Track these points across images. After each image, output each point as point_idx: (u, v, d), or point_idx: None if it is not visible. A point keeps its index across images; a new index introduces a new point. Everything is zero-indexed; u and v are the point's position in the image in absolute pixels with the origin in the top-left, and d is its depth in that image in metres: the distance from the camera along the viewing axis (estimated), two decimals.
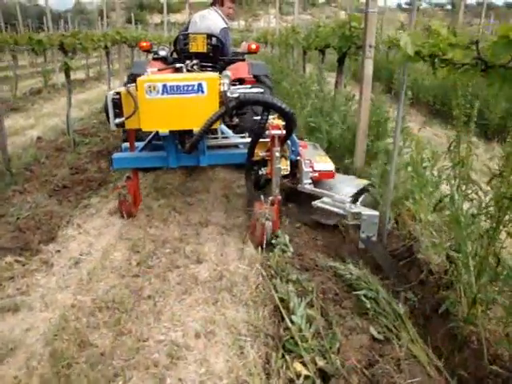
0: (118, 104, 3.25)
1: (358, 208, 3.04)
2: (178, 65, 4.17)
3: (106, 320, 2.53)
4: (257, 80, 4.70)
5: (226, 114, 3.14)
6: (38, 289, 2.85)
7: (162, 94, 3.04)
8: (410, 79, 10.63)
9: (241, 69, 4.77)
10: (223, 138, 4.04)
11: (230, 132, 4.10)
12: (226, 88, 3.11)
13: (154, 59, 5.08)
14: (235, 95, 3.13)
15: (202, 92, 3.05)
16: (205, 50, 4.74)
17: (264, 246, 3.21)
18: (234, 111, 3.23)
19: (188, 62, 4.30)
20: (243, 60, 5.15)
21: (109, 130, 7.40)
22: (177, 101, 3.06)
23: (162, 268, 3.12)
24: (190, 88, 3.04)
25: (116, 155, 3.77)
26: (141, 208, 4.08)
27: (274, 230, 3.26)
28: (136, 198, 3.96)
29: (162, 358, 2.26)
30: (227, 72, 3.39)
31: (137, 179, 4.01)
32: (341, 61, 4.45)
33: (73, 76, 15.22)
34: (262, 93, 3.50)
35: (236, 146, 3.91)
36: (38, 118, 8.80)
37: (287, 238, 3.23)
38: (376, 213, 2.96)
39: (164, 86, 3.03)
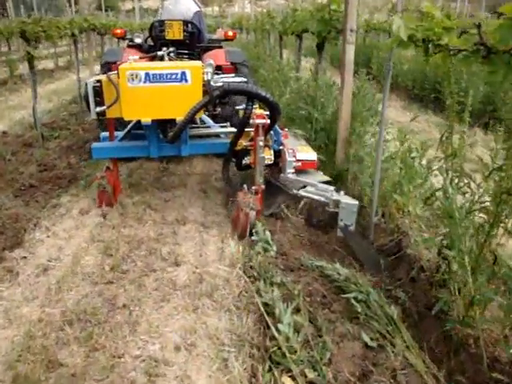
0: (98, 92, 3.16)
1: (337, 196, 3.03)
2: (159, 52, 4.15)
3: (77, 335, 2.32)
4: (234, 67, 4.62)
5: (209, 103, 3.11)
6: (0, 302, 2.62)
7: (145, 82, 2.99)
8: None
9: (218, 56, 4.65)
10: (205, 127, 3.99)
11: (211, 121, 4.05)
12: (209, 77, 3.07)
13: (129, 46, 4.98)
14: (219, 84, 3.09)
15: (186, 81, 3.01)
16: (181, 37, 4.65)
17: (247, 235, 3.15)
18: (217, 100, 3.20)
19: (164, 49, 4.21)
20: (220, 47, 5.05)
21: (79, 122, 7.11)
22: (160, 89, 3.01)
23: (137, 273, 2.91)
24: (174, 76, 2.99)
25: (95, 145, 3.68)
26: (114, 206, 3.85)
27: (258, 219, 3.21)
28: (116, 188, 3.88)
29: (140, 377, 2.07)
30: (210, 61, 3.32)
31: (116, 169, 3.94)
32: (320, 46, 4.26)
33: (41, 65, 14.82)
34: (245, 82, 3.46)
35: (217, 135, 3.87)
36: (2, 111, 8.37)
37: (268, 234, 3.06)
38: (355, 202, 2.96)
39: (147, 74, 2.98)
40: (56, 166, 4.83)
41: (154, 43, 4.89)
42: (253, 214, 3.13)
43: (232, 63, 4.63)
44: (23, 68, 12.53)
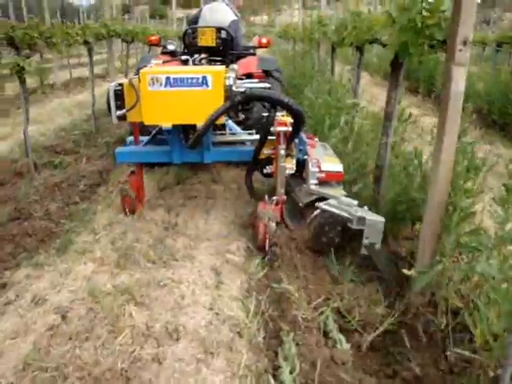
0: (119, 96, 3.15)
1: (362, 212, 2.84)
2: (183, 57, 4.17)
3: None
4: (266, 75, 4.53)
5: (230, 108, 3.05)
6: None
7: (165, 86, 2.95)
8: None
9: (250, 63, 4.62)
10: (230, 134, 3.90)
11: (237, 128, 3.98)
12: (231, 82, 2.97)
13: (163, 53, 5.01)
14: (241, 90, 2.99)
15: (207, 85, 2.95)
16: (214, 44, 4.65)
17: (267, 248, 3.00)
18: (239, 106, 3.19)
19: (196, 56, 4.21)
20: (253, 54, 5.03)
21: (90, 144, 6.04)
22: (180, 94, 2.96)
23: None
24: (194, 81, 2.94)
25: (119, 149, 3.65)
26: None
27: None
28: (140, 193, 3.82)
29: None
30: (234, 65, 3.26)
31: (141, 174, 3.85)
32: (396, 65, 2.90)
33: (76, 73, 14.17)
34: (269, 88, 3.37)
35: (243, 142, 3.77)
36: (16, 126, 7.44)
37: None
38: (381, 219, 2.78)
39: (167, 78, 2.93)
40: (32, 214, 3.67)
41: (187, 50, 4.91)
42: (272, 225, 3.02)
43: (264, 71, 4.51)
44: (55, 76, 11.87)
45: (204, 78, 2.93)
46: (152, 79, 2.94)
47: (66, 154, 5.58)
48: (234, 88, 2.97)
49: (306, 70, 6.48)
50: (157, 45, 5.75)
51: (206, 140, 3.36)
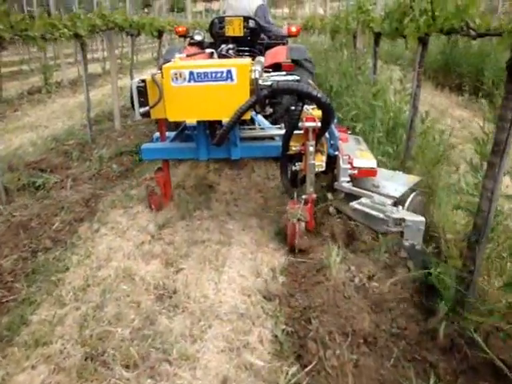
0: (143, 92, 3.07)
1: (400, 213, 2.67)
2: (208, 50, 4.05)
3: None
4: (296, 64, 4.26)
5: (256, 103, 2.86)
6: None
7: (189, 81, 2.85)
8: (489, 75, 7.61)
9: (279, 53, 4.44)
10: (259, 129, 3.78)
11: (266, 122, 3.84)
12: (257, 75, 2.81)
13: (190, 44, 5.04)
14: (267, 83, 2.85)
15: (232, 79, 2.82)
16: (241, 34, 4.62)
17: (296, 250, 2.87)
18: (266, 100, 2.98)
19: (223, 46, 4.22)
20: (283, 43, 4.90)
21: (83, 159, 5.04)
22: (204, 89, 2.85)
23: None
24: (219, 75, 2.82)
25: (145, 145, 3.58)
26: None
27: (310, 230, 3.02)
28: (167, 190, 3.74)
29: None
30: (260, 58, 3.20)
31: (167, 170, 3.75)
32: None
33: (89, 70, 13.22)
34: (297, 81, 3.12)
35: (272, 137, 3.60)
36: (8, 132, 6.55)
37: None
38: (421, 218, 2.60)
39: (191, 73, 2.83)
40: None
41: (214, 40, 4.87)
42: (301, 225, 2.89)
43: (293, 60, 4.26)
44: (63, 74, 11.00)
45: (229, 71, 2.79)
46: (175, 74, 2.84)
47: (53, 171, 4.60)
48: (260, 81, 2.81)
49: (344, 69, 5.34)
50: (184, 36, 5.70)
51: (232, 135, 3.25)
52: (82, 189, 4.02)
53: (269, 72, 3.45)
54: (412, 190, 3.07)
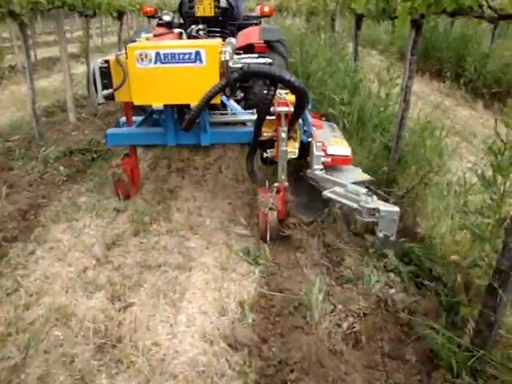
0: (106, 74, 2.91)
1: (374, 203, 2.50)
2: (176, 30, 3.83)
3: None
4: (269, 46, 4.06)
5: (226, 86, 2.71)
6: None
7: (155, 63, 2.71)
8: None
9: (252, 34, 4.20)
10: (231, 114, 3.63)
11: (238, 107, 3.69)
12: (227, 57, 2.66)
13: (159, 25, 4.81)
14: (238, 66, 2.71)
15: (201, 61, 2.69)
16: (212, 14, 4.46)
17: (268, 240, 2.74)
18: (236, 84, 2.76)
19: (193, 27, 4.11)
20: (256, 24, 4.75)
21: (28, 157, 4.42)
22: (172, 71, 2.72)
23: None
24: (187, 57, 2.68)
25: (110, 131, 3.40)
26: None
27: (281, 219, 2.83)
28: (135, 177, 3.60)
29: None
30: (231, 39, 3.15)
31: (135, 157, 3.61)
32: None
33: (48, 53, 12.36)
34: (270, 64, 2.95)
35: (243, 123, 3.43)
36: None
37: None
38: (396, 208, 2.45)
39: (157, 54, 2.68)
40: None
41: (184, 21, 4.75)
42: (273, 214, 2.78)
43: (266, 41, 4.06)
44: (16, 58, 10.12)
45: (197, 53, 2.67)
46: (140, 55, 2.70)
47: None
48: (230, 64, 2.69)
49: (322, 55, 4.83)
50: (153, 16, 5.48)
51: (202, 120, 3.13)
52: (20, 198, 3.43)
53: (240, 54, 3.30)
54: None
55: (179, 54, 2.69)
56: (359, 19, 4.33)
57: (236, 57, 2.93)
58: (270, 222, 2.79)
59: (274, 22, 14.80)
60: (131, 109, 3.47)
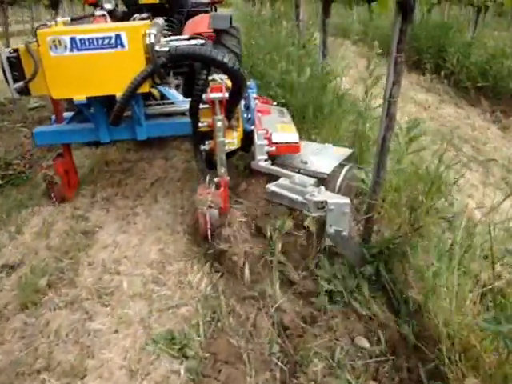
0: (16, 64, 2.65)
1: (322, 194, 2.30)
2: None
3: None
4: (219, 35, 3.68)
5: (154, 73, 2.53)
6: None
7: (72, 50, 2.46)
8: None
9: (199, 22, 3.89)
10: (169, 104, 3.27)
11: (178, 96, 3.34)
12: (153, 40, 2.48)
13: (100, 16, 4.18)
14: (165, 49, 2.51)
15: (122, 46, 2.46)
16: (157, 1, 4.16)
17: (210, 239, 2.54)
18: (165, 70, 2.63)
19: (137, 15, 3.61)
20: (206, 12, 4.44)
21: None
22: (91, 58, 2.48)
23: None
24: (107, 41, 2.45)
25: (38, 129, 3.14)
26: None
27: (223, 213, 2.61)
28: (71, 178, 3.31)
29: None
30: (158, 19, 2.97)
31: (69, 156, 3.32)
32: None
33: None
34: (202, 44, 2.72)
35: (183, 113, 3.08)
36: None
37: None
38: (346, 200, 2.23)
39: (72, 39, 2.44)
40: None
41: (128, 9, 4.39)
42: (213, 213, 2.53)
43: (215, 30, 3.63)
44: None
45: (118, 36, 2.42)
46: (53, 42, 2.42)
47: None
48: (157, 48, 2.47)
49: (282, 45, 4.00)
50: (95, 4, 4.97)
51: (136, 113, 2.86)
52: None
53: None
54: (343, 164, 2.82)
55: (98, 39, 2.44)
56: (327, 4, 3.54)
57: (163, 39, 2.70)
58: (209, 222, 2.52)
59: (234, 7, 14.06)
60: (60, 104, 3.22)
